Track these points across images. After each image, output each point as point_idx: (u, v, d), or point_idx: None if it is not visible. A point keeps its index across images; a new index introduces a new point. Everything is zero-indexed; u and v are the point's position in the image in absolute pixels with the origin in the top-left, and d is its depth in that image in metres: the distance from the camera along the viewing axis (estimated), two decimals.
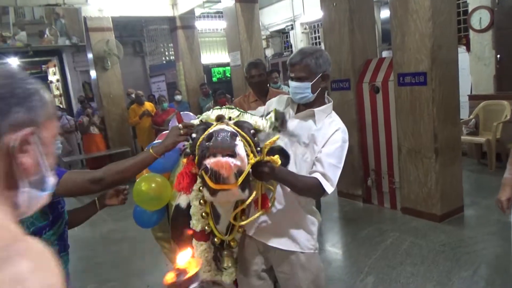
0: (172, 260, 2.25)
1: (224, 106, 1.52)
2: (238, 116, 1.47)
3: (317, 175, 1.54)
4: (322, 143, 1.59)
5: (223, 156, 1.18)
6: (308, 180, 1.55)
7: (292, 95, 1.68)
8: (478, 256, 3.08)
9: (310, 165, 1.61)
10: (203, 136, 1.29)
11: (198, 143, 1.33)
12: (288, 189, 1.57)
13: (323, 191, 1.54)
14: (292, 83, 1.63)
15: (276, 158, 1.38)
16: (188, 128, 1.45)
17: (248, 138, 1.35)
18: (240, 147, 1.22)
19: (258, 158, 1.35)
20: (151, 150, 1.45)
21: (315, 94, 1.63)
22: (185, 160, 1.47)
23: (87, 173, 1.45)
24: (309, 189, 1.55)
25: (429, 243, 3.36)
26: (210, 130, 1.28)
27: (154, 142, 2.01)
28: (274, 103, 1.82)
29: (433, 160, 3.68)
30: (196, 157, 1.34)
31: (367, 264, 3.14)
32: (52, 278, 0.56)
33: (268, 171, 1.37)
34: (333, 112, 1.70)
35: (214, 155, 1.19)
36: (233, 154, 1.19)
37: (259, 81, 2.95)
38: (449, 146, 3.75)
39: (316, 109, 1.63)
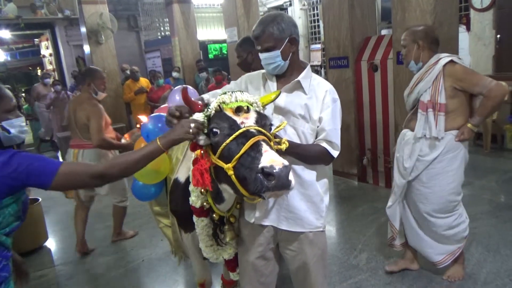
0: (168, 235, 2.25)
1: (236, 91, 1.45)
2: (253, 103, 1.43)
3: (321, 142, 1.60)
4: (319, 110, 1.60)
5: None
6: (316, 148, 1.60)
7: (265, 68, 1.65)
8: (470, 234, 3.11)
9: (313, 135, 1.62)
10: (243, 151, 1.26)
11: (223, 145, 1.31)
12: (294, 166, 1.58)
13: (331, 157, 1.61)
14: (262, 55, 1.60)
15: (285, 140, 1.44)
16: (199, 128, 1.36)
17: (271, 136, 1.39)
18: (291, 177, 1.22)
19: (273, 146, 1.38)
20: (158, 143, 1.35)
21: (287, 60, 1.60)
22: (198, 152, 1.40)
23: (89, 167, 1.36)
24: (318, 157, 1.61)
25: None
26: (265, 162, 1.19)
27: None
28: (245, 83, 1.74)
29: None
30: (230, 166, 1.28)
31: (361, 241, 3.18)
32: None
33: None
34: (313, 74, 1.69)
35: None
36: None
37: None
38: None
39: (301, 78, 1.60)
